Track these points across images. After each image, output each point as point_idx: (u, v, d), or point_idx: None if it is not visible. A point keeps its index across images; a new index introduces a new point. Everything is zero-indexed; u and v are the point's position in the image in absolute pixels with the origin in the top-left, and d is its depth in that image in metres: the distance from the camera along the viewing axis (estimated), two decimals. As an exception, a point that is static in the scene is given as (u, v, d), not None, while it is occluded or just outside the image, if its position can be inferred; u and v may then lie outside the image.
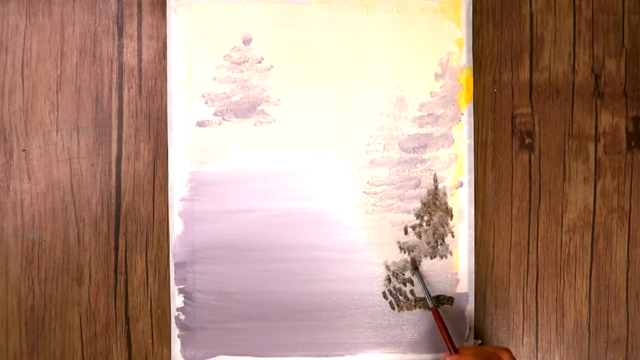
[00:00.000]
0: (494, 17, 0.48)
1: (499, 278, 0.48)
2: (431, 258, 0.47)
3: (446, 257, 0.47)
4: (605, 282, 0.48)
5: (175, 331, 0.47)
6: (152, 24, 0.48)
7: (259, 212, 0.47)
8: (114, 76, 0.48)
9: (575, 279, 0.48)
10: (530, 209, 0.48)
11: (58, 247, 0.48)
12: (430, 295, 0.46)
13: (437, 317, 0.45)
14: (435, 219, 0.47)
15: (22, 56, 0.48)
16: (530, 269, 0.48)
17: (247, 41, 0.47)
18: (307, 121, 0.47)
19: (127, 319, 0.48)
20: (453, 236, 0.47)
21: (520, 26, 0.48)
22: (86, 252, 0.48)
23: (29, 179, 0.48)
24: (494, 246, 0.48)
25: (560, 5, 0.48)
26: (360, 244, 0.47)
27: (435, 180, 0.47)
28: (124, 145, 0.48)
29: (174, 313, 0.47)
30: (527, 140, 0.48)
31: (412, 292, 0.47)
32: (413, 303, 0.47)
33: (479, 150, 0.48)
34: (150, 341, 0.48)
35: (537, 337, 0.48)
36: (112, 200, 0.48)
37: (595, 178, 0.48)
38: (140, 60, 0.48)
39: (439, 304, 0.47)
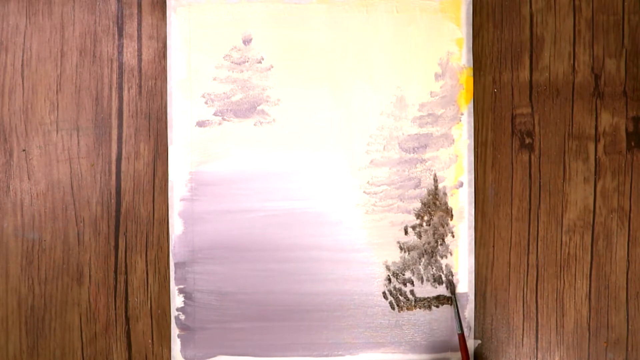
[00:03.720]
0: (494, 17, 0.48)
1: (499, 278, 0.48)
2: (431, 257, 0.47)
3: (446, 257, 0.47)
4: (605, 282, 0.48)
5: (175, 331, 0.47)
6: (152, 24, 0.48)
7: (259, 212, 0.47)
8: (114, 76, 0.48)
9: (575, 279, 0.48)
10: (530, 209, 0.48)
11: (58, 247, 0.48)
12: (461, 321, 0.46)
13: (463, 344, 0.45)
14: (435, 219, 0.47)
15: (22, 56, 0.48)
16: (530, 269, 0.48)
17: (247, 41, 0.47)
18: (307, 121, 0.47)
19: (127, 319, 0.48)
20: (453, 236, 0.47)
21: (520, 26, 0.48)
22: (86, 252, 0.48)
23: (29, 179, 0.48)
24: (494, 246, 0.48)
25: (560, 5, 0.48)
26: (360, 244, 0.47)
27: (435, 180, 0.47)
28: (124, 145, 0.48)
29: (174, 313, 0.47)
30: (527, 140, 0.48)
31: (412, 292, 0.47)
32: (413, 303, 0.47)
33: (479, 150, 0.48)
34: (150, 341, 0.48)
35: (537, 337, 0.48)
36: (112, 200, 0.48)
37: (595, 178, 0.48)
38: (140, 60, 0.48)
39: (439, 304, 0.47)
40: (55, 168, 0.48)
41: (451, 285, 0.47)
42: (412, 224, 0.47)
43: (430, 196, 0.47)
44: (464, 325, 0.47)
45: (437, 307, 0.47)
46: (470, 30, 0.47)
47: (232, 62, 0.47)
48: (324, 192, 0.47)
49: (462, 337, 0.45)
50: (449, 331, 0.47)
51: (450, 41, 0.47)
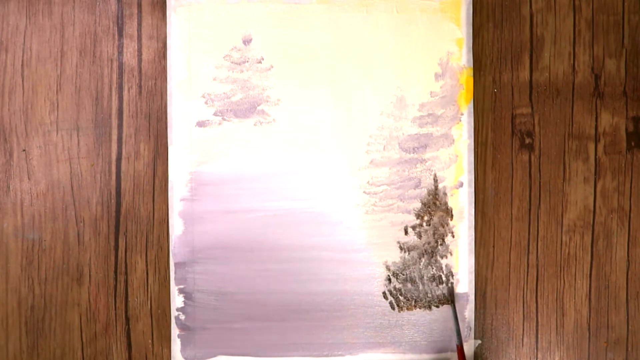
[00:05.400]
0: (494, 17, 0.48)
1: (499, 278, 0.48)
2: (431, 257, 0.47)
3: (446, 257, 0.47)
4: (605, 282, 0.48)
5: (175, 331, 0.47)
6: (152, 24, 0.48)
7: (259, 212, 0.47)
8: (114, 76, 0.48)
9: (575, 279, 0.48)
10: (530, 209, 0.48)
11: (58, 247, 0.48)
12: (460, 332, 0.45)
13: (461, 355, 0.44)
14: (435, 219, 0.47)
15: (22, 56, 0.48)
16: (530, 269, 0.48)
17: (247, 41, 0.47)
18: (307, 121, 0.47)
19: (127, 319, 0.48)
20: (453, 236, 0.47)
21: (520, 26, 0.48)
22: (86, 252, 0.48)
23: (29, 179, 0.48)
24: (494, 246, 0.48)
25: (560, 5, 0.48)
26: (360, 244, 0.47)
27: (436, 180, 0.47)
28: (124, 145, 0.48)
29: (174, 313, 0.47)
30: (527, 140, 0.48)
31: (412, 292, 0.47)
32: (413, 303, 0.47)
33: (479, 150, 0.48)
34: (150, 341, 0.48)
35: (537, 337, 0.48)
36: (112, 200, 0.48)
37: (595, 178, 0.48)
38: (140, 60, 0.48)
39: (439, 304, 0.47)
40: (55, 168, 0.48)
41: (451, 296, 0.47)
42: (412, 224, 0.47)
43: (430, 196, 0.47)
44: (464, 326, 0.47)
45: (438, 307, 0.47)
46: (470, 30, 0.47)
47: (232, 62, 0.47)
48: (324, 192, 0.47)
49: (460, 349, 0.45)
50: (449, 331, 0.47)
51: (450, 41, 0.47)
